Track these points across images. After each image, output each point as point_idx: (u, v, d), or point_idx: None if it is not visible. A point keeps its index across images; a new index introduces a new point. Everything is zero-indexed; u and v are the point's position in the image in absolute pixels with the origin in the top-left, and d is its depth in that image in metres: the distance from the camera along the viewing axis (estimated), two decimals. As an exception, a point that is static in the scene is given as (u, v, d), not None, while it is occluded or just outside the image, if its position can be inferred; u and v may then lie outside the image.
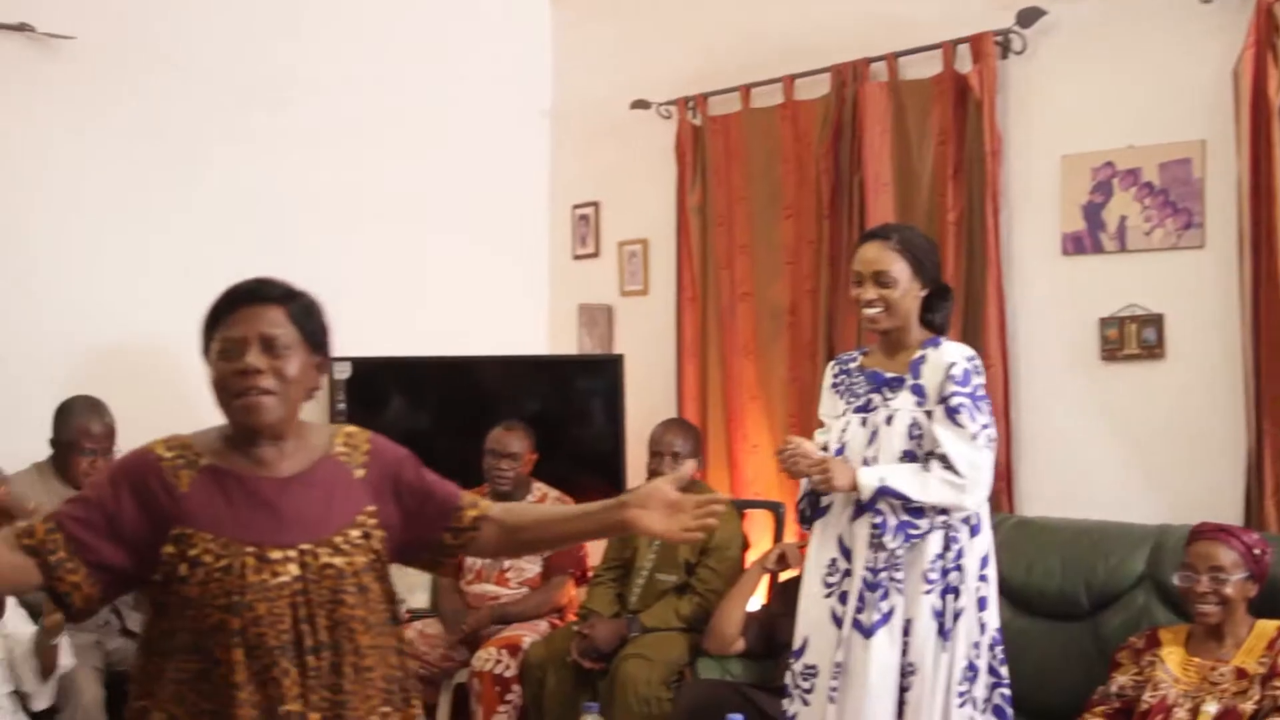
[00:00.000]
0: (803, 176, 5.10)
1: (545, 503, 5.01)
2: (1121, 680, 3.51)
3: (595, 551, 5.14)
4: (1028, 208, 4.56)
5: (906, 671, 3.30)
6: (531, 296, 6.21)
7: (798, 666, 3.46)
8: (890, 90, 4.82)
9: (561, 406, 5.73)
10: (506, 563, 4.99)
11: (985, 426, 3.30)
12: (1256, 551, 3.42)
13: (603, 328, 5.97)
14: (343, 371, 5.18)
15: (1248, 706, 3.25)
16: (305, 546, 2.18)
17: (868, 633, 3.30)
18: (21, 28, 4.85)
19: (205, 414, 5.27)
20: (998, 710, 3.35)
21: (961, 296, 4.49)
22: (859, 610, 3.32)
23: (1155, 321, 4.24)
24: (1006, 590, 3.81)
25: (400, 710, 2.26)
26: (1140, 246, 4.27)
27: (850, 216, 4.88)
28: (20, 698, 4.02)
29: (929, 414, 3.33)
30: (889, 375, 3.42)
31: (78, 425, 4.47)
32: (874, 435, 3.38)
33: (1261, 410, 3.92)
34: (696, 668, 4.51)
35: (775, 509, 5.00)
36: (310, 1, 5.60)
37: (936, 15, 4.73)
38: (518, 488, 5.01)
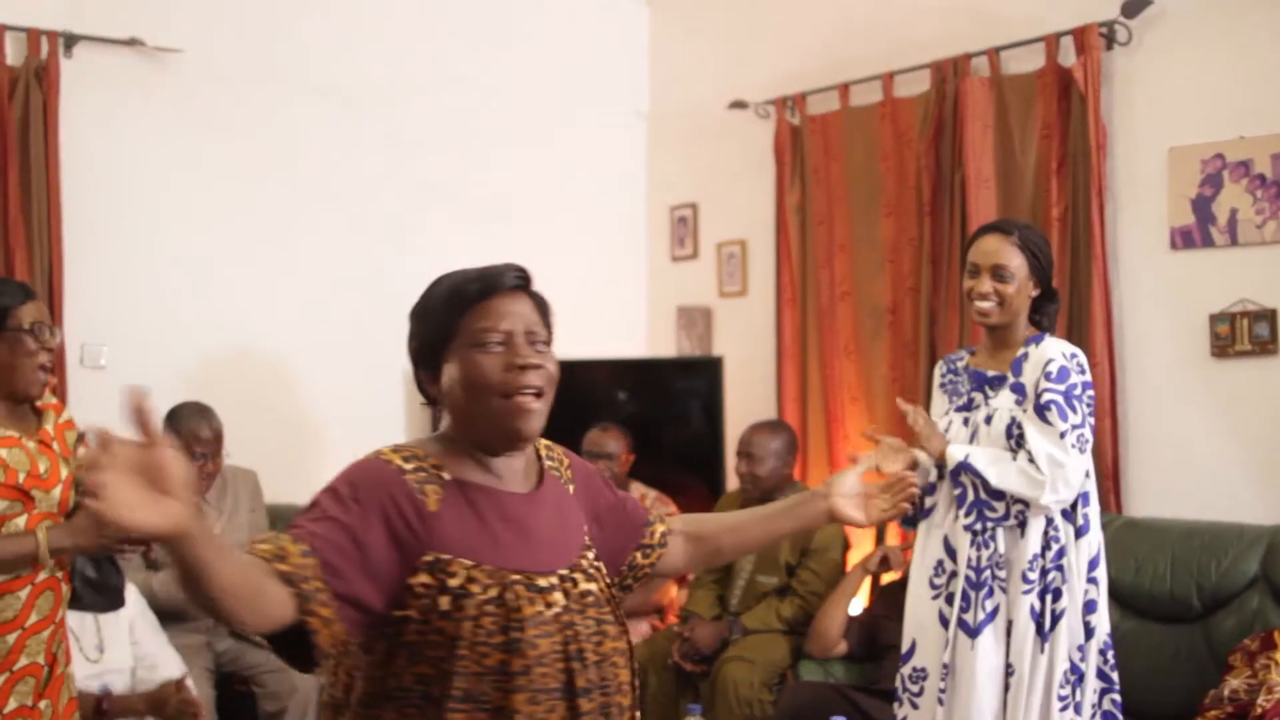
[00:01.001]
0: (903, 174, 5.06)
1: (645, 503, 5.00)
2: (1235, 684, 3.43)
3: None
4: (1134, 202, 4.47)
5: (1006, 672, 3.25)
6: (630, 298, 6.23)
7: (907, 669, 3.42)
8: (992, 85, 4.76)
9: (660, 408, 5.73)
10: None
11: (1076, 427, 3.21)
12: None
13: (701, 329, 5.97)
14: (445, 375, 5.22)
15: (1368, 712, 3.16)
16: (563, 572, 1.92)
17: (973, 633, 3.26)
18: (132, 42, 4.96)
19: (313, 421, 5.38)
20: (1108, 716, 3.28)
21: (1067, 293, 4.43)
22: (964, 610, 3.28)
23: (1268, 317, 4.14)
24: (1115, 592, 3.74)
25: None
26: (1252, 240, 4.17)
27: (951, 214, 4.83)
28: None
29: (1026, 412, 3.28)
30: (991, 374, 3.37)
31: (187, 429, 4.56)
32: (974, 435, 3.34)
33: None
34: (798, 670, 4.49)
35: (877, 510, 4.95)
36: (410, 10, 5.66)
37: (1039, 8, 4.66)
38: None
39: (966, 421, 3.38)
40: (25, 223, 4.70)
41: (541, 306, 2.00)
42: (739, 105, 5.64)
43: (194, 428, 4.56)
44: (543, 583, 1.87)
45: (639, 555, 2.17)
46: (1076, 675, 3.23)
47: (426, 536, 1.84)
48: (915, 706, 3.39)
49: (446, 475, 1.90)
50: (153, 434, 1.49)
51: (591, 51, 6.11)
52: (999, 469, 3.22)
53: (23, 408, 3.04)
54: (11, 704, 2.92)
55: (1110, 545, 3.52)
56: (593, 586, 1.94)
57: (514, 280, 1.96)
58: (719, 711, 4.35)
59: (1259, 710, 3.31)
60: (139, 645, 4.03)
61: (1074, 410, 3.22)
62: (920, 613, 3.41)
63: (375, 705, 1.85)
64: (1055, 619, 3.22)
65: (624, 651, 1.94)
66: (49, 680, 3.00)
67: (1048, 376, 3.23)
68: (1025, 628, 3.23)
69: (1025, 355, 3.32)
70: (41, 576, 2.96)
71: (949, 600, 3.34)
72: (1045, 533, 3.25)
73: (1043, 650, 3.22)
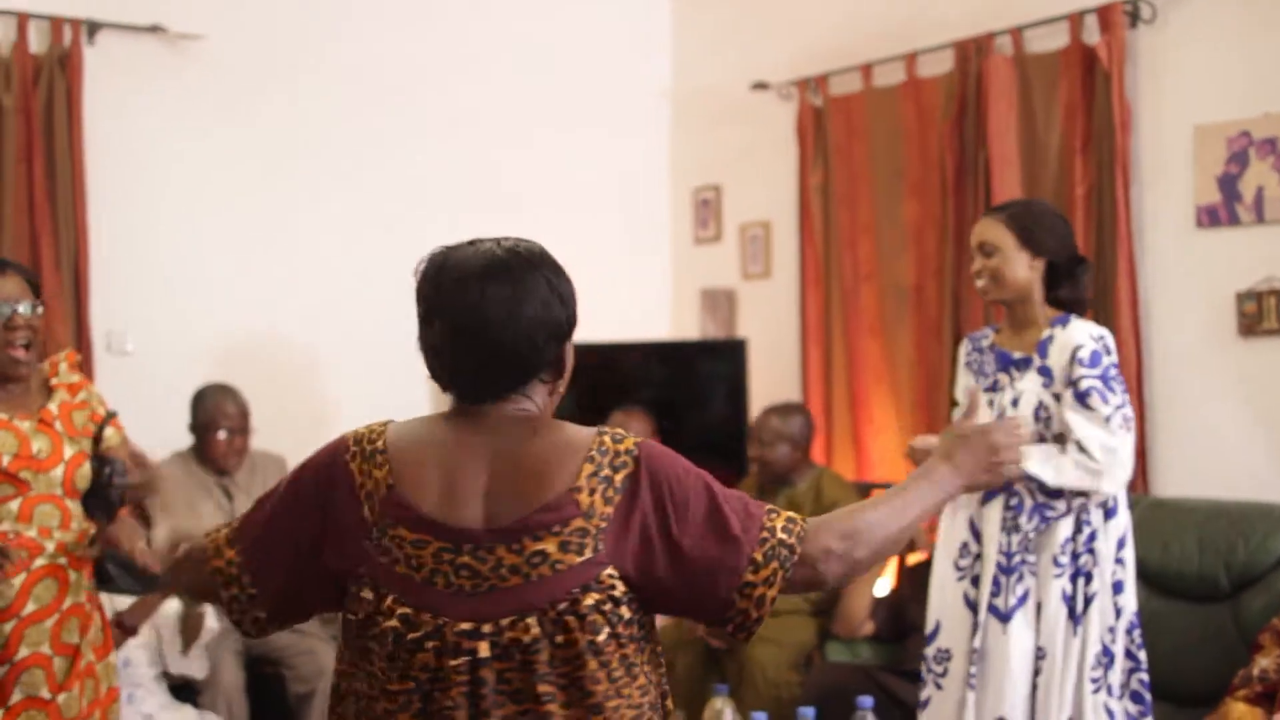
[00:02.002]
0: (926, 155, 5.04)
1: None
2: (1264, 663, 3.42)
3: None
4: (1159, 180, 4.45)
5: (1037, 656, 3.25)
6: (653, 281, 6.22)
7: (930, 651, 3.42)
8: (1015, 64, 4.74)
9: (684, 391, 5.73)
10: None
11: (1119, 408, 3.21)
12: None
13: (725, 311, 5.96)
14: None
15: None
16: None
17: (1005, 618, 3.25)
18: (154, 29, 4.98)
19: (337, 405, 5.40)
20: (1135, 695, 3.27)
21: (1091, 272, 4.40)
22: (994, 595, 3.27)
23: (1295, 294, 4.12)
24: (1143, 572, 3.73)
25: None
26: (1278, 217, 4.14)
27: (975, 194, 4.81)
28: (168, 679, 4.14)
29: (1056, 397, 3.26)
30: (1016, 356, 3.36)
31: (212, 406, 4.63)
32: (999, 416, 3.32)
33: None
34: (825, 651, 4.49)
35: (902, 491, 4.94)
36: (431, -6, 5.67)
37: (1062, -14, 4.64)
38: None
39: (992, 403, 3.36)
40: (51, 209, 4.73)
41: None
42: (761, 87, 5.62)
43: (220, 403, 4.63)
44: None
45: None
46: (1108, 657, 3.22)
47: None
48: (939, 688, 3.38)
49: None
50: None
51: (613, 34, 6.09)
52: (1054, 466, 3.19)
53: (22, 387, 3.00)
54: (17, 695, 2.88)
55: (1137, 525, 3.52)
56: None
57: None
58: (745, 692, 4.36)
59: (1289, 689, 3.30)
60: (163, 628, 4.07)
61: (1113, 391, 3.21)
62: (945, 595, 3.41)
63: None
64: (1087, 602, 3.21)
65: None
66: (69, 673, 2.95)
67: (1080, 363, 3.22)
68: (1057, 611, 3.22)
69: (1051, 338, 3.30)
70: (38, 563, 2.91)
71: (974, 583, 3.33)
72: (1076, 516, 3.24)
73: (1075, 633, 3.21)
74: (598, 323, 5.67)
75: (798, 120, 5.51)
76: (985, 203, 4.69)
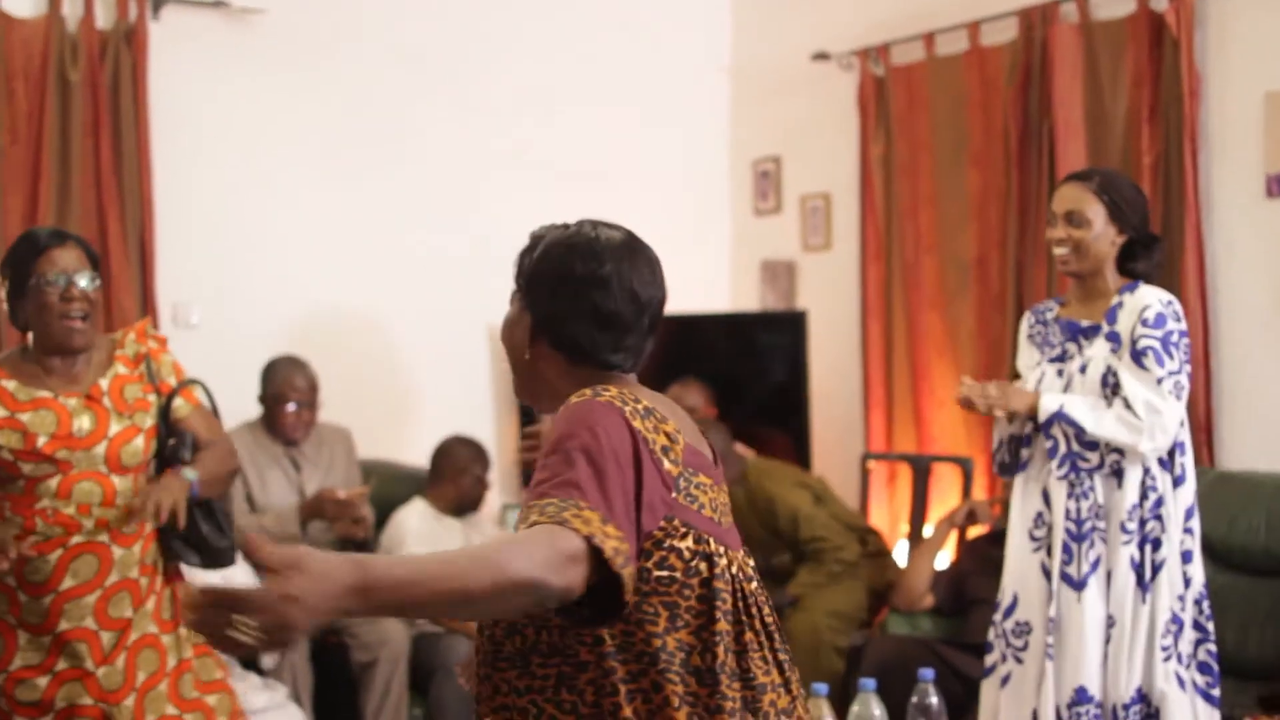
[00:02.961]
0: (989, 125, 4.99)
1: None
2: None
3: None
4: (1228, 149, 4.37)
5: (1107, 624, 3.22)
6: (713, 253, 6.21)
7: (1008, 624, 3.37)
8: (1081, 32, 4.67)
9: (744, 363, 5.72)
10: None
11: (1173, 374, 3.17)
12: None
13: (785, 283, 5.94)
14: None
15: None
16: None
17: (1078, 585, 3.22)
18: (217, 4, 5.01)
19: (401, 378, 5.42)
20: (1203, 666, 3.24)
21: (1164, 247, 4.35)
22: (1066, 563, 3.24)
23: (1368, 265, 4.04)
24: (1208, 546, 3.69)
25: None
26: (1352, 186, 4.07)
27: (1039, 164, 4.75)
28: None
29: (1121, 359, 3.23)
30: (1085, 324, 3.32)
31: (282, 379, 4.67)
32: (1068, 385, 3.30)
33: None
34: (885, 624, 4.48)
35: (963, 464, 4.93)
36: (491, -34, 5.67)
37: (1129, -48, 4.57)
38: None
39: (1060, 373, 3.33)
40: (117, 183, 4.78)
41: None
42: (822, 57, 5.58)
43: (289, 376, 4.67)
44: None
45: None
46: (1177, 625, 3.19)
47: None
48: (1019, 661, 3.34)
49: None
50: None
51: (673, 5, 6.07)
52: (1095, 416, 3.18)
53: (83, 360, 2.99)
54: (63, 663, 2.91)
55: (1203, 499, 3.47)
56: None
57: None
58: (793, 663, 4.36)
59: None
60: None
61: (1170, 356, 3.18)
62: (1021, 566, 3.37)
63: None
64: (1155, 569, 3.19)
65: None
66: (114, 646, 2.96)
67: (1144, 323, 3.19)
68: (1125, 578, 3.19)
69: (1120, 304, 3.27)
70: (75, 540, 2.91)
71: (1049, 552, 3.31)
72: (1142, 482, 3.21)
73: (1144, 601, 3.18)
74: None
75: (859, 91, 5.47)
76: (1050, 173, 4.64)
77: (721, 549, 1.87)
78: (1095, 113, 4.65)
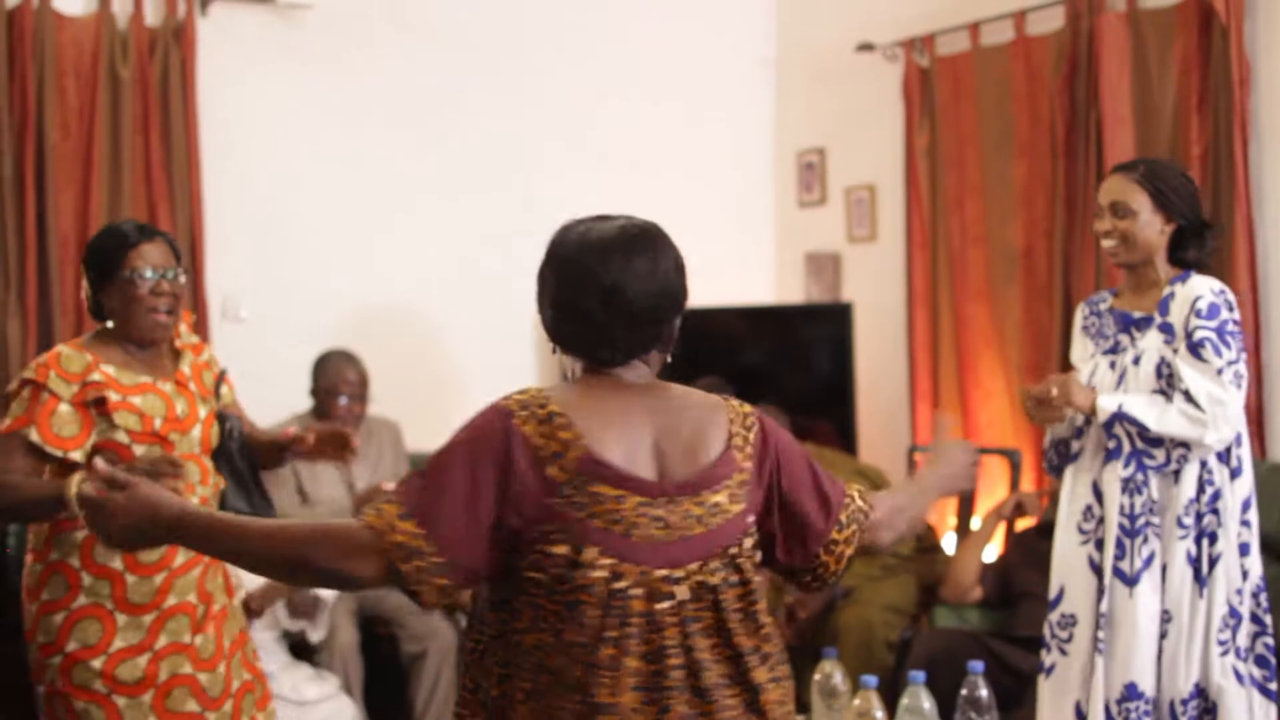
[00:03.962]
0: (1036, 115, 4.96)
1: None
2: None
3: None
4: (1279, 137, 4.33)
5: (1163, 619, 3.20)
6: (757, 245, 6.20)
7: (1054, 616, 3.36)
8: (1128, 21, 4.63)
9: (788, 356, 5.71)
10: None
11: (1232, 363, 3.15)
12: None
13: (830, 275, 5.93)
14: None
15: None
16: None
17: (1131, 581, 3.20)
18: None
19: (448, 369, 5.43)
20: (1261, 659, 3.22)
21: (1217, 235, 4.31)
22: (1118, 558, 3.22)
23: None
24: (1261, 539, 3.65)
25: None
26: (1406, 175, 4.02)
27: (1087, 154, 4.72)
28: (287, 639, 4.23)
29: (1177, 351, 3.20)
30: (1137, 315, 3.30)
31: (335, 372, 4.72)
32: (1122, 377, 3.27)
33: None
34: (933, 616, 4.47)
35: (1011, 456, 4.89)
36: (535, -40, 5.68)
37: (1178, -61, 4.52)
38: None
39: (1113, 365, 3.31)
40: (167, 178, 4.83)
41: None
42: (866, 48, 5.56)
43: (341, 369, 4.71)
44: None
45: None
46: (1235, 619, 3.17)
47: None
48: (1064, 653, 3.33)
49: None
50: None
51: (717, -2, 6.08)
52: (1157, 413, 3.15)
53: (157, 350, 3.07)
54: (163, 640, 3.00)
55: (1256, 491, 3.44)
56: None
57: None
58: (842, 657, 4.35)
59: None
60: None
61: (1228, 346, 3.15)
62: (1069, 559, 3.35)
63: None
64: (1213, 563, 3.16)
65: None
66: (204, 616, 3.08)
67: (1198, 314, 3.16)
68: (1182, 573, 3.17)
69: (1172, 294, 3.24)
70: None
71: (1098, 546, 3.29)
72: (1199, 476, 3.19)
73: (1201, 595, 3.16)
74: (701, 287, 5.68)
75: (904, 81, 5.44)
76: (1097, 163, 4.61)
77: (604, 560, 1.88)
78: (1143, 102, 4.61)
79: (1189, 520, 3.18)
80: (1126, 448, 3.21)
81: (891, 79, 5.52)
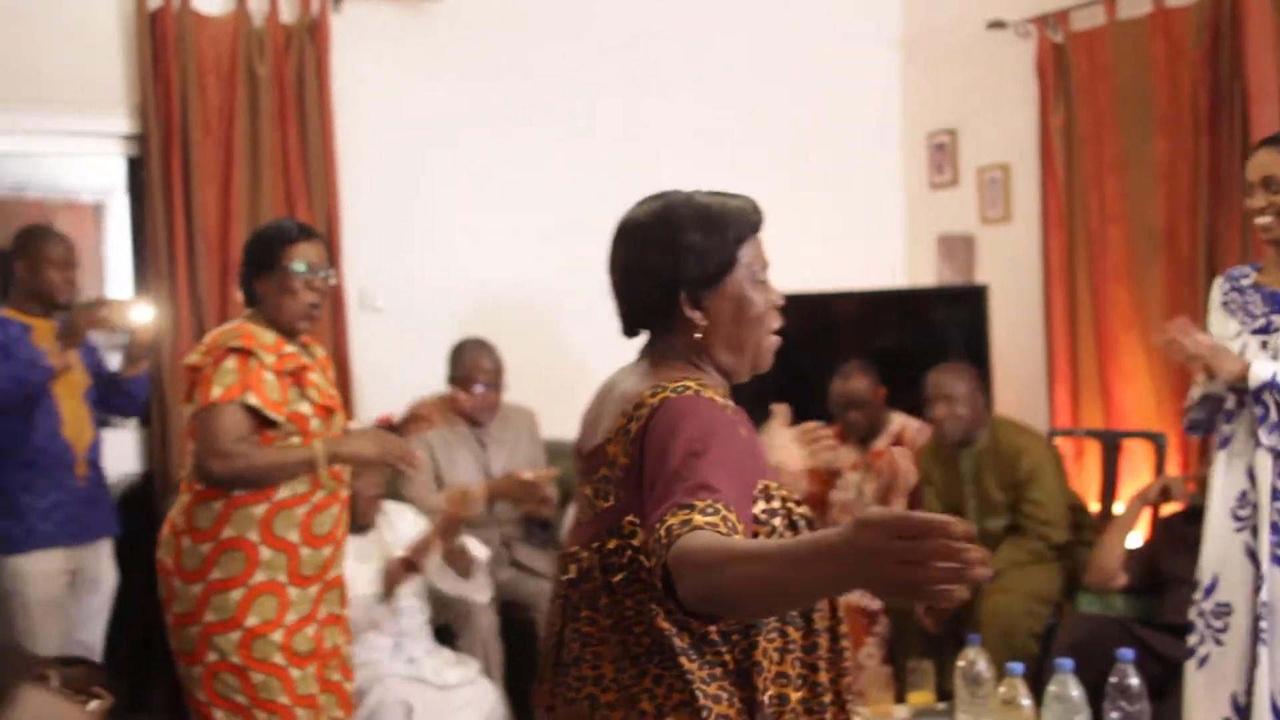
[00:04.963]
0: (1176, 89, 4.82)
1: (905, 436, 4.95)
2: None
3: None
4: None
5: None
6: (886, 228, 6.13)
7: (1208, 605, 3.26)
8: (1274, -11, 4.50)
9: (921, 339, 5.63)
10: (871, 496, 4.97)
11: None
12: None
13: (963, 257, 5.84)
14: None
15: None
16: None
17: None
18: (395, -6, 5.14)
19: (579, 357, 5.48)
20: None
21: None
22: (1276, 545, 3.12)
23: None
24: None
25: None
26: None
27: (1231, 128, 4.58)
28: (432, 628, 4.29)
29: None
30: (1289, 293, 3.20)
31: (471, 360, 4.77)
32: (1275, 357, 3.17)
33: None
34: (1076, 602, 4.39)
35: (1156, 440, 4.79)
36: (661, -53, 5.68)
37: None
38: (872, 427, 4.96)
39: (1265, 345, 3.20)
40: (304, 173, 4.93)
41: None
42: (998, 25, 5.46)
43: (476, 358, 4.76)
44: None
45: None
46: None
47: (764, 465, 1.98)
48: (1219, 643, 3.23)
49: (731, 410, 1.93)
50: None
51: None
52: None
53: (296, 340, 3.21)
54: (323, 611, 3.16)
55: None
56: None
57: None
58: (986, 644, 4.28)
59: None
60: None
61: None
62: (1223, 546, 3.25)
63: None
64: None
65: None
66: (345, 588, 3.29)
67: None
68: None
69: (1326, 271, 3.14)
70: (344, 492, 3.20)
71: (1254, 533, 3.18)
72: None
73: None
74: (831, 271, 5.67)
75: (1037, 58, 5.33)
76: (1242, 138, 4.47)
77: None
78: (1291, 73, 4.47)
79: None
80: (1274, 416, 3.11)
81: (1024, 56, 5.41)
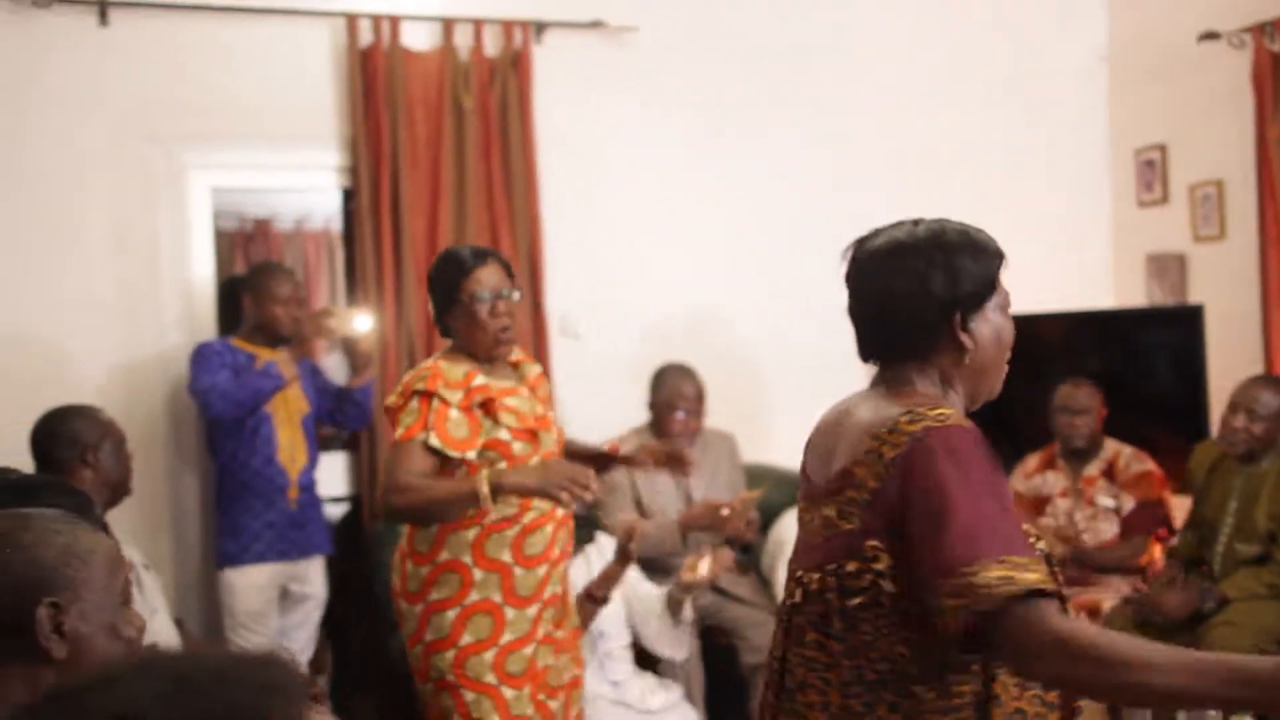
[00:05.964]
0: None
1: (1118, 464, 4.81)
2: None
3: (1180, 509, 4.88)
4: None
5: None
6: (1093, 248, 5.97)
7: None
8: None
9: (1131, 362, 5.46)
10: (1082, 524, 4.84)
11: None
12: None
13: (1174, 277, 5.65)
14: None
15: None
16: None
17: None
18: (594, 24, 5.21)
19: (776, 381, 5.45)
20: None
21: None
22: None
23: None
24: None
25: None
26: None
27: None
28: (635, 650, 4.32)
29: None
30: None
31: (672, 387, 4.79)
32: None
33: None
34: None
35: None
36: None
37: None
38: (1091, 444, 4.85)
39: None
40: (508, 202, 5.04)
41: None
42: (1210, 36, 5.27)
43: (678, 385, 4.77)
44: None
45: None
46: None
47: None
48: None
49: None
50: None
51: (1045, -7, 5.90)
52: None
53: (501, 364, 3.26)
54: (542, 630, 3.21)
55: None
56: None
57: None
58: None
59: None
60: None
61: None
62: None
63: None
64: None
65: None
66: (564, 608, 3.31)
67: None
68: None
69: None
70: (560, 513, 3.20)
71: None
72: None
73: None
74: (1035, 292, 5.52)
75: (1253, 69, 5.13)
76: None
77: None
78: None
79: None
80: None
81: (1238, 68, 5.21)
